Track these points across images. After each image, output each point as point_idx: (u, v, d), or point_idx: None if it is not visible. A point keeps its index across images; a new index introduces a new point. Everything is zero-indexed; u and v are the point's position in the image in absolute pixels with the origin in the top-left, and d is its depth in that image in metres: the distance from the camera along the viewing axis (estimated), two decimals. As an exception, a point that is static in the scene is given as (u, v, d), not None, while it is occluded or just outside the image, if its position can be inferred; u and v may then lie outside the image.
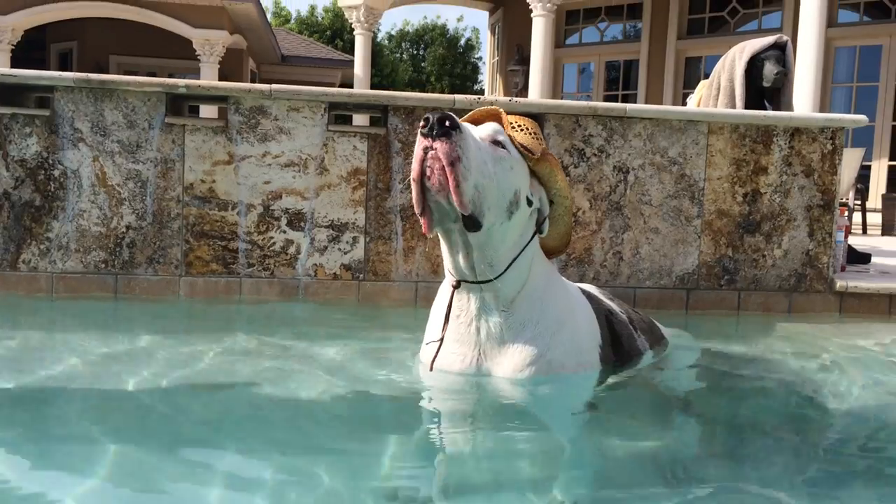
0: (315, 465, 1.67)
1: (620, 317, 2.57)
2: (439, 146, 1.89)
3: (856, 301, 3.69)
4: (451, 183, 1.90)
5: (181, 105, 3.65)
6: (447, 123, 1.88)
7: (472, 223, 2.01)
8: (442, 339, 2.25)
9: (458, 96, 3.54)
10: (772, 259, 3.71)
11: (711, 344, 3.07)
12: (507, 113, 3.63)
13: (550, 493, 1.56)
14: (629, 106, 3.59)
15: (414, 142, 3.48)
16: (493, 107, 2.28)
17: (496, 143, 2.09)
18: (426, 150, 1.91)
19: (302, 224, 3.52)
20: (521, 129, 2.19)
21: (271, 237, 3.50)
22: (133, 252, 3.44)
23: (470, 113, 2.28)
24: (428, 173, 1.92)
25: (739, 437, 2.06)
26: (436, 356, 2.25)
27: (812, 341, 3.27)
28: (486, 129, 2.11)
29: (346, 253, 3.54)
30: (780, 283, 3.72)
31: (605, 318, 2.48)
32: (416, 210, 2.00)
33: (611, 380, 2.36)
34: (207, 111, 9.80)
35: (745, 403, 2.42)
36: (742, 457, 1.87)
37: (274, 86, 3.46)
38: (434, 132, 1.89)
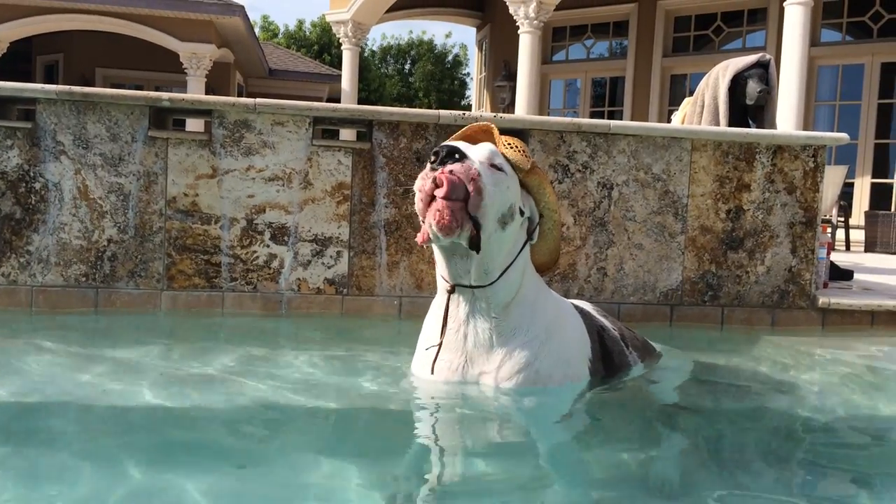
0: (298, 477, 1.66)
1: (612, 333, 2.59)
2: (457, 167, 2.00)
3: (838, 317, 3.71)
4: (472, 191, 2.01)
5: (165, 118, 3.64)
6: (456, 155, 2.01)
7: (474, 243, 2.07)
8: (440, 344, 2.26)
9: (442, 112, 3.54)
10: (755, 275, 3.72)
11: (697, 357, 3.08)
12: (493, 129, 3.65)
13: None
14: (613, 123, 3.61)
15: (398, 157, 3.50)
16: (485, 122, 2.35)
17: (493, 165, 2.14)
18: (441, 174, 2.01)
19: (285, 238, 3.50)
20: (511, 147, 2.27)
21: (254, 251, 3.48)
22: (114, 266, 3.41)
23: (463, 129, 2.36)
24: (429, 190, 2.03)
25: (724, 452, 2.06)
26: (435, 359, 2.26)
27: (795, 356, 3.28)
28: (484, 153, 2.15)
29: (329, 267, 3.53)
30: (763, 300, 3.73)
31: (597, 333, 2.51)
32: (421, 218, 2.07)
33: (598, 393, 2.37)
34: (194, 125, 9.79)
35: (730, 417, 2.42)
36: (727, 471, 1.87)
37: (258, 100, 3.46)
38: (446, 161, 2.01)
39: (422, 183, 2.03)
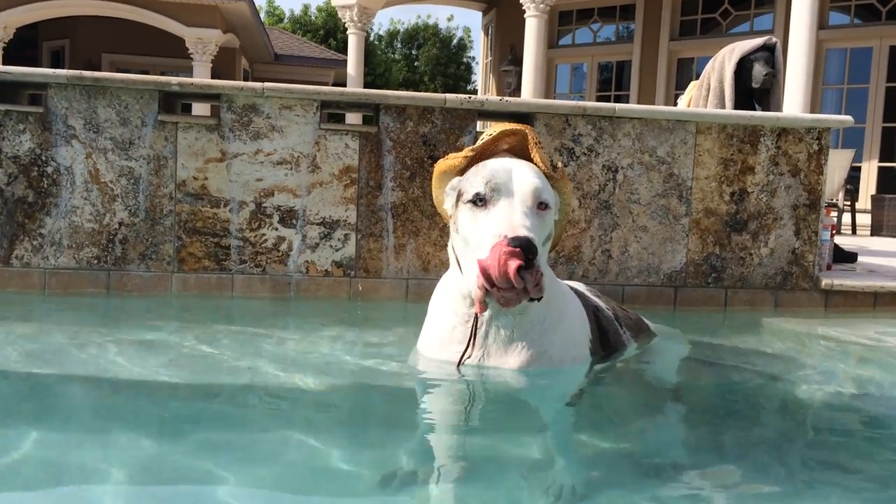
0: (308, 451, 1.71)
1: (606, 313, 2.64)
2: (527, 278, 1.95)
3: (841, 299, 3.74)
4: (535, 291, 1.99)
5: (174, 103, 3.68)
6: (528, 257, 1.94)
7: None
8: (461, 360, 2.26)
9: (448, 95, 3.57)
10: (758, 257, 3.75)
11: (699, 338, 3.12)
12: (498, 113, 3.68)
13: (543, 480, 1.60)
14: (618, 106, 3.63)
15: (405, 140, 3.54)
16: (518, 126, 2.27)
17: (540, 204, 2.11)
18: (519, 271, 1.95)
19: (294, 221, 3.54)
20: (538, 146, 2.24)
21: (263, 234, 3.53)
22: (125, 248, 3.46)
23: (497, 133, 2.26)
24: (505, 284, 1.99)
25: (725, 429, 2.09)
26: (460, 363, 2.26)
27: (798, 337, 3.32)
28: (530, 191, 2.09)
29: (337, 250, 3.57)
30: (767, 281, 3.76)
31: (593, 313, 2.55)
32: (481, 295, 2.03)
33: (601, 373, 2.41)
34: (200, 109, 9.81)
35: (730, 396, 2.46)
36: (727, 447, 1.91)
37: (266, 84, 3.49)
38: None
39: (499, 272, 1.95)
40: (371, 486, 1.54)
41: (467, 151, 2.26)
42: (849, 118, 3.76)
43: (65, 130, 3.40)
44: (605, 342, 2.52)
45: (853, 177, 10.70)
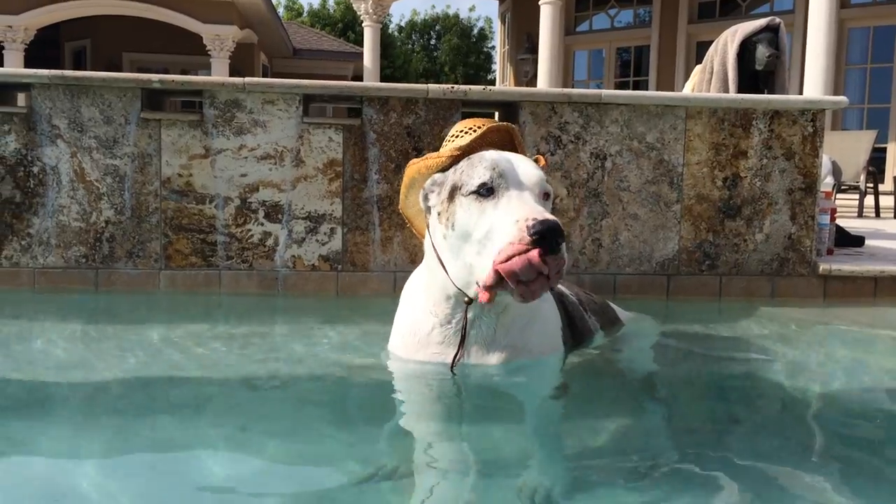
0: (291, 449, 1.72)
1: (571, 299, 2.59)
2: (551, 262, 1.84)
3: (840, 284, 3.64)
4: (554, 280, 1.91)
5: (162, 100, 3.68)
6: (558, 241, 1.84)
7: None
8: (453, 363, 2.20)
9: (431, 86, 3.53)
10: (753, 243, 3.66)
11: (692, 326, 3.05)
12: (483, 102, 3.64)
13: (528, 478, 1.57)
14: (605, 92, 3.56)
15: (389, 132, 3.51)
16: (507, 123, 2.21)
17: (546, 194, 2.05)
18: (542, 257, 1.83)
19: (279, 216, 3.54)
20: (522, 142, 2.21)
21: (249, 229, 3.53)
22: (113, 246, 3.48)
23: (482, 131, 2.16)
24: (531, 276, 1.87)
25: (715, 422, 2.05)
26: (453, 364, 2.20)
27: (792, 324, 3.23)
28: (536, 181, 2.01)
29: (323, 244, 3.56)
30: (763, 268, 3.67)
31: (559, 299, 2.49)
32: (489, 283, 1.91)
33: (579, 364, 2.37)
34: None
35: (721, 387, 2.41)
36: (717, 440, 1.87)
37: (248, 79, 3.48)
38: (550, 248, 1.84)
39: (523, 265, 1.82)
40: (354, 482, 1.53)
41: (453, 150, 2.14)
42: (843, 99, 3.65)
43: (49, 130, 3.43)
44: (572, 329, 2.47)
45: (877, 158, 10.46)
